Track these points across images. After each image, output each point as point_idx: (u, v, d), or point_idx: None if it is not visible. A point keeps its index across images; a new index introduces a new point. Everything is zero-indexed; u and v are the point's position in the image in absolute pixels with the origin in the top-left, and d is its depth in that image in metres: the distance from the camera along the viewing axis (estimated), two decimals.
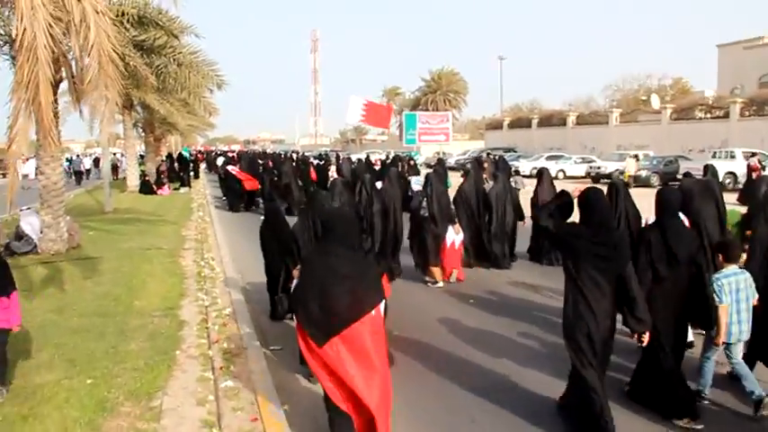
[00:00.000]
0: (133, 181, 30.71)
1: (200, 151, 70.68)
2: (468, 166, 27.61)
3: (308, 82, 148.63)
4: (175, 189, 32.72)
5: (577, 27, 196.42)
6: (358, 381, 4.55)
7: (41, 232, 13.54)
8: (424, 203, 10.89)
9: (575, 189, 5.96)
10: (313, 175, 25.89)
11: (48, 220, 13.29)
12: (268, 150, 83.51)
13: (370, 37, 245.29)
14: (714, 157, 33.06)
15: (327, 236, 4.86)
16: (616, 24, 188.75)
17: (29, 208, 15.00)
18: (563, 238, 5.39)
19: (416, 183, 14.15)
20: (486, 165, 13.84)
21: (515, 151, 54.71)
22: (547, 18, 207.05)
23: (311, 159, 35.93)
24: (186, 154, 46.56)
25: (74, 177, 43.46)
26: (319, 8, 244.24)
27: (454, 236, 10.86)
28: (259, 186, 24.28)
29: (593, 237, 5.15)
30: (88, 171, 49.53)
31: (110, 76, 9.92)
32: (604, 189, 6.40)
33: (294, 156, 39.38)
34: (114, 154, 57.09)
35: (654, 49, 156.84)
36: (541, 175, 13.33)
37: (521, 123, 62.24)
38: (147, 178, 31.05)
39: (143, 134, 40.86)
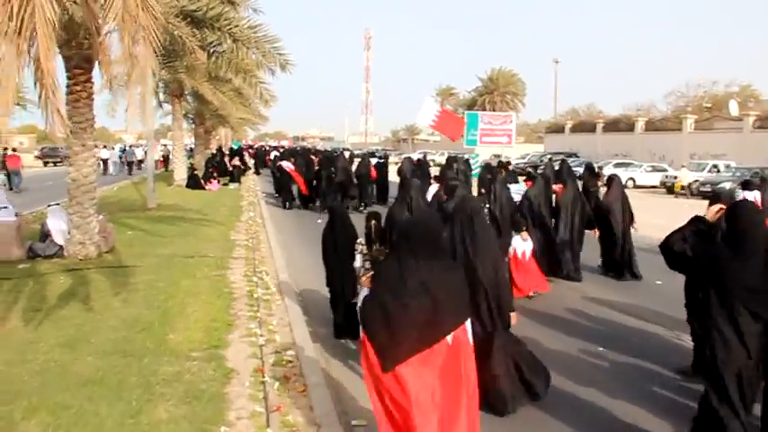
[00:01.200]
0: (180, 174, 28.94)
1: (250, 146, 69.27)
2: (531, 170, 25.66)
3: (359, 80, 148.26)
4: (224, 184, 30.87)
5: (637, 32, 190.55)
6: (420, 421, 3.80)
7: (69, 233, 11.57)
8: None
9: (709, 211, 5.28)
10: (373, 173, 24.40)
11: (76, 219, 11.31)
12: (319, 147, 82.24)
13: (423, 36, 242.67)
14: None
15: (400, 243, 4.20)
16: (676, 30, 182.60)
17: (58, 203, 13.06)
18: (705, 264, 4.61)
19: (517, 192, 11.81)
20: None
21: (578, 156, 51.96)
22: (604, 21, 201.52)
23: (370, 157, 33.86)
24: (236, 147, 44.91)
25: (126, 168, 42.96)
26: (373, 7, 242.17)
27: (523, 245, 9.72)
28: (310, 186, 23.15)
29: (743, 263, 4.43)
30: (140, 162, 48.32)
31: (139, 50, 7.67)
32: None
33: (347, 153, 37.20)
34: (165, 145, 56.11)
35: (718, 55, 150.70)
36: (611, 182, 12.13)
37: (584, 127, 59.17)
38: (195, 172, 29.24)
39: (193, 125, 39.24)
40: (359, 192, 23.11)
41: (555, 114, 75.62)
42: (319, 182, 23.13)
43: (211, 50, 11.84)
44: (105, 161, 43.70)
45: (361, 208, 22.11)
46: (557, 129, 65.13)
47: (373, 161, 26.86)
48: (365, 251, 7.15)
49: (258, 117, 45.16)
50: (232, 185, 30.80)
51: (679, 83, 77.41)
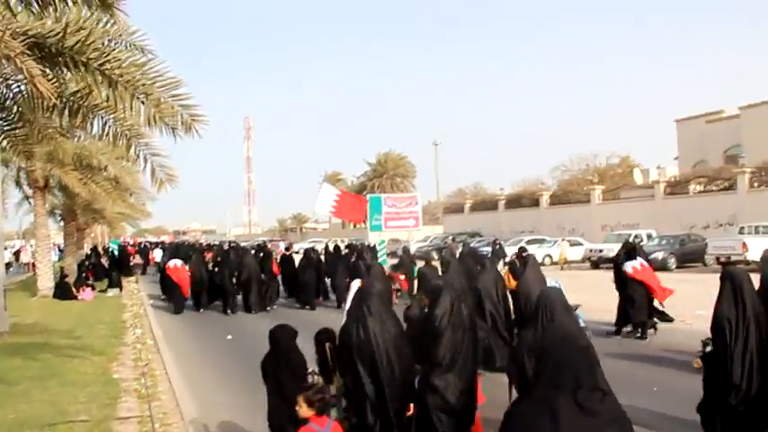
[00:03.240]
0: (46, 282, 23.75)
1: (129, 244, 63.40)
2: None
3: (240, 170, 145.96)
4: (101, 291, 25.84)
5: (516, 109, 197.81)
6: None
7: None
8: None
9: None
10: (275, 268, 21.97)
11: None
12: (201, 240, 77.38)
13: (304, 124, 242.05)
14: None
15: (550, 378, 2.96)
16: (554, 105, 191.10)
17: None
18: None
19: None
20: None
21: (481, 235, 50.11)
22: (485, 102, 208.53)
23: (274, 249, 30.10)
24: (115, 246, 39.56)
25: None
26: (252, 96, 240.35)
27: None
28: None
29: None
30: (7, 265, 42.81)
31: None
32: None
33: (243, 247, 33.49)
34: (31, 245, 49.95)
35: (595, 128, 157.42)
36: (526, 261, 12.14)
37: (484, 206, 57.72)
38: (65, 278, 24.16)
39: (61, 223, 33.90)
40: (265, 289, 20.84)
41: (437, 196, 74.88)
42: (219, 281, 20.80)
43: (74, 105, 7.80)
44: None
45: (271, 307, 20.50)
46: (455, 209, 63.50)
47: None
48: (319, 383, 5.47)
49: (139, 212, 40.03)
50: (111, 292, 25.79)
51: (562, 157, 77.94)
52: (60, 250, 39.87)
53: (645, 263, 13.06)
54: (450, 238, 46.76)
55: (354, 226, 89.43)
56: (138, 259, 36.62)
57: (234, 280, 20.53)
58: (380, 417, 5.69)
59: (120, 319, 17.95)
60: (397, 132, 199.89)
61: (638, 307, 12.69)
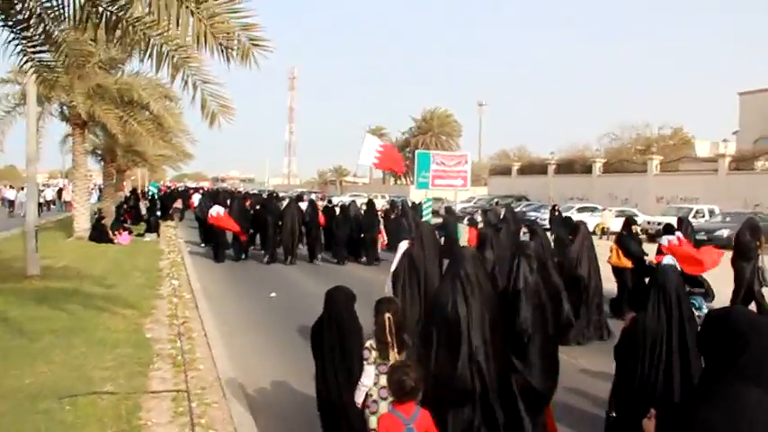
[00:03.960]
0: (82, 224, 22.80)
1: (169, 188, 62.80)
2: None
3: (280, 120, 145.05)
4: (139, 235, 24.93)
5: (565, 75, 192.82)
6: None
7: None
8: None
9: None
10: (321, 219, 20.93)
11: None
12: (240, 189, 76.80)
13: (349, 77, 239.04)
14: None
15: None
16: (605, 71, 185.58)
17: None
18: None
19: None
20: None
21: (528, 200, 48.44)
22: (532, 64, 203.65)
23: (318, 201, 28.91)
24: (155, 190, 38.72)
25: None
26: (297, 46, 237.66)
27: None
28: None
29: None
30: (49, 203, 45.87)
31: None
32: None
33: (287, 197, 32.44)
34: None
35: (648, 98, 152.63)
36: (577, 229, 11.07)
37: (533, 169, 55.60)
38: (103, 220, 23.20)
39: (101, 164, 32.97)
40: (309, 242, 20.45)
41: (479, 157, 72.78)
42: (262, 231, 20.37)
43: (111, 17, 6.42)
44: (12, 202, 40.66)
45: (317, 260, 19.95)
46: (502, 170, 61.46)
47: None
48: (378, 359, 4.87)
49: (180, 153, 38.80)
50: (148, 237, 24.86)
51: (611, 125, 74.85)
52: (100, 191, 39.16)
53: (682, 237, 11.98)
54: (495, 201, 45.34)
55: (395, 182, 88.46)
56: (178, 204, 35.66)
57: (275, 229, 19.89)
58: (481, 405, 5.06)
59: (156, 267, 16.89)
60: (442, 91, 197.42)
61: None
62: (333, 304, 5.26)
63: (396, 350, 4.91)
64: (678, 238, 11.85)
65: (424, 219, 27.75)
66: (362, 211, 21.59)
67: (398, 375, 4.05)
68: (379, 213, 24.50)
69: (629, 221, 12.42)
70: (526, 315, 5.47)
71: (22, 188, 33.91)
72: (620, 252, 11.60)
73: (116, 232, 23.10)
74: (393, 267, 8.82)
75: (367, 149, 24.74)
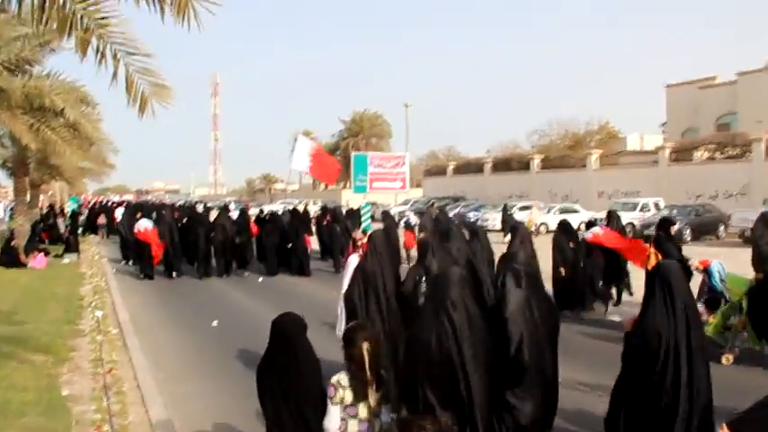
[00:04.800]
0: None
1: (90, 202, 59.25)
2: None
3: (205, 128, 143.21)
4: (57, 256, 22.49)
5: (491, 72, 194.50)
6: None
7: None
8: None
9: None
10: (254, 228, 20.14)
11: None
12: (165, 200, 74.01)
13: (272, 82, 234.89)
14: None
15: None
16: (529, 68, 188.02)
17: None
18: None
19: None
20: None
21: (465, 200, 47.66)
22: (454, 63, 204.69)
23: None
24: (75, 206, 35.85)
25: None
26: (220, 52, 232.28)
27: None
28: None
29: None
30: None
31: None
32: None
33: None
34: None
35: (573, 94, 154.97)
36: (516, 230, 10.43)
37: (469, 168, 54.81)
38: (13, 243, 20.71)
39: (11, 178, 29.97)
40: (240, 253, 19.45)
41: (408, 159, 71.72)
42: (192, 245, 19.15)
43: None
44: None
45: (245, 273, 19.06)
46: (437, 171, 60.50)
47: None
48: (348, 398, 4.03)
49: (102, 164, 35.87)
50: (67, 258, 22.42)
51: (539, 122, 74.47)
52: (12, 210, 36.01)
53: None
54: (431, 203, 44.43)
55: (326, 187, 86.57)
56: (101, 219, 33.13)
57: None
58: None
59: (76, 295, 14.74)
60: (368, 93, 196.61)
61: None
62: (282, 337, 4.37)
63: (374, 388, 4.06)
64: (601, 227, 12.61)
65: (363, 224, 26.44)
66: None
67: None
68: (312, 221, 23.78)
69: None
70: (521, 344, 4.75)
71: None
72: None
73: (30, 254, 20.67)
74: (344, 287, 7.24)
75: (300, 152, 23.50)
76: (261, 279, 18.03)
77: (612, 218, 13.47)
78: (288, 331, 4.38)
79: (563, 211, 34.63)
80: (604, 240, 11.92)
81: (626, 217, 30.71)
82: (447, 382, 4.42)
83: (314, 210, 39.62)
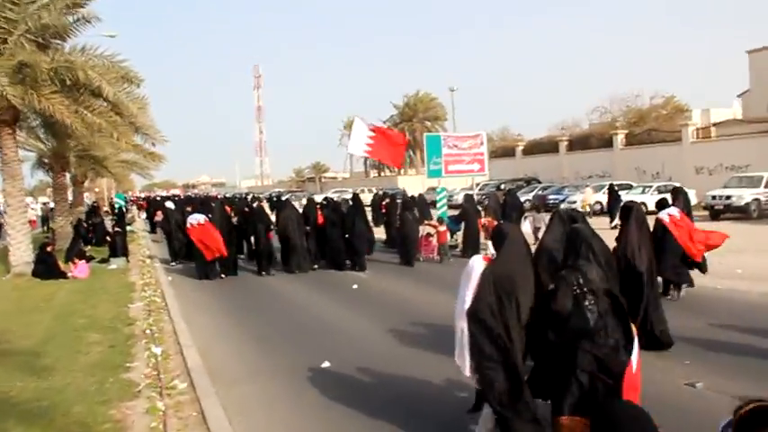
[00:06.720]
0: (21, 256, 16.86)
1: (140, 197, 56.58)
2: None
3: (250, 120, 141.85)
4: (100, 262, 19.16)
5: (539, 51, 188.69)
6: None
7: None
8: None
9: None
10: (320, 218, 18.37)
11: None
12: (212, 193, 71.96)
13: (317, 72, 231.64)
14: None
15: None
16: (586, 43, 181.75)
17: None
18: None
19: None
20: None
21: (539, 182, 43.74)
22: (504, 45, 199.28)
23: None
24: (122, 202, 32.56)
25: None
26: (261, 44, 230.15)
27: None
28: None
29: None
30: None
31: None
32: None
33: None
34: (45, 203, 42.55)
35: (632, 68, 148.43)
36: (629, 211, 8.73)
37: (541, 148, 50.49)
38: (50, 247, 17.40)
39: (49, 174, 26.80)
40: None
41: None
42: (248, 240, 18.89)
43: None
44: None
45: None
46: (504, 152, 56.07)
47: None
48: None
49: (152, 156, 32.31)
50: (114, 263, 19.02)
51: (601, 98, 70.04)
52: (51, 210, 32.76)
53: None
54: (502, 186, 41.17)
55: (380, 173, 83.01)
56: (158, 216, 29.92)
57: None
58: None
59: (124, 318, 11.19)
60: (414, 78, 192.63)
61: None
62: None
63: None
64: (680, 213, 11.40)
65: (438, 212, 23.21)
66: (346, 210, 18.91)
67: None
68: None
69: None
70: None
71: None
72: None
73: (71, 261, 17.38)
74: (467, 300, 5.15)
75: (356, 136, 21.27)
76: (355, 286, 14.22)
77: (680, 194, 13.13)
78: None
79: (660, 191, 30.60)
80: (678, 235, 10.73)
81: (748, 194, 26.59)
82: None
83: (368, 198, 36.67)
